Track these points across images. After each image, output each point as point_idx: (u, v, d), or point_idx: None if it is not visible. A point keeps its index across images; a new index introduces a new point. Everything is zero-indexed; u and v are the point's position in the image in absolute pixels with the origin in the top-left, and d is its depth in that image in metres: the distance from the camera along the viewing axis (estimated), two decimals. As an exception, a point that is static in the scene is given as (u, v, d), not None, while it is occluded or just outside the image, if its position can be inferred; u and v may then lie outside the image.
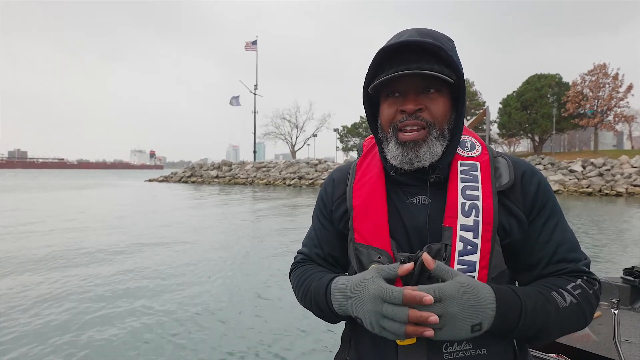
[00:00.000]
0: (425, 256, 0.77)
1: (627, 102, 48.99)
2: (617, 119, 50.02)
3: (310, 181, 37.46)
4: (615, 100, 48.70)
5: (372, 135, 0.99)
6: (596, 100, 49.40)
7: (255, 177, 41.91)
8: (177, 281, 6.08)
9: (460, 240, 0.83)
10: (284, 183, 38.52)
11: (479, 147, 0.93)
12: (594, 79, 49.66)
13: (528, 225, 0.87)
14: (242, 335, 4.16)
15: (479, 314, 0.73)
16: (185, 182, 44.72)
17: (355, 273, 0.89)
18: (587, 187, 27.10)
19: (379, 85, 0.86)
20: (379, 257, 0.85)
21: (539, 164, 31.92)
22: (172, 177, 48.10)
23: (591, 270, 0.88)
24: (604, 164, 29.27)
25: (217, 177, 44.22)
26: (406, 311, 0.72)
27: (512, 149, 74.87)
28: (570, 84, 51.54)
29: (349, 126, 70.50)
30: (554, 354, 1.80)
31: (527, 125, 52.87)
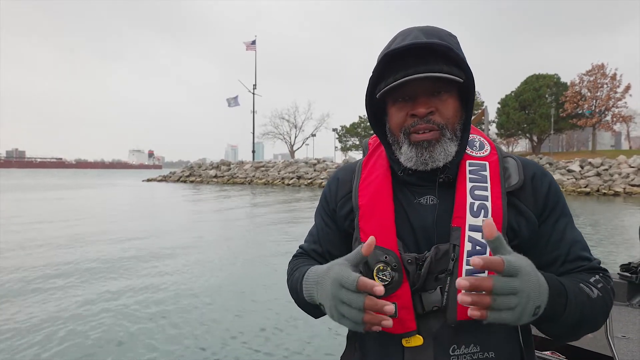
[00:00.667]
0: (489, 221, 0.65)
1: (625, 103, 49.12)
2: (615, 119, 50.07)
3: (309, 181, 37.43)
4: (613, 100, 48.75)
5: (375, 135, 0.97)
6: (594, 101, 49.42)
7: (254, 176, 41.86)
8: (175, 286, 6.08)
9: (469, 241, 0.81)
10: (283, 183, 38.48)
11: (487, 147, 0.93)
12: (592, 79, 49.69)
13: (539, 226, 0.86)
14: (241, 333, 4.17)
15: (542, 295, 0.68)
16: (184, 181, 44.65)
17: (361, 273, 0.87)
18: (585, 187, 27.17)
19: (387, 90, 0.83)
20: (386, 257, 0.83)
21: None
22: (170, 177, 48.00)
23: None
24: (601, 164, 29.32)
25: (215, 176, 44.15)
26: (362, 297, 0.69)
27: (510, 149, 74.81)
28: (569, 84, 51.57)
29: (348, 126, 70.40)
30: (547, 352, 1.81)
31: (525, 125, 52.90)
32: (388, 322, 0.70)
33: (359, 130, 68.32)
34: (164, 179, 48.03)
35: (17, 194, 24.75)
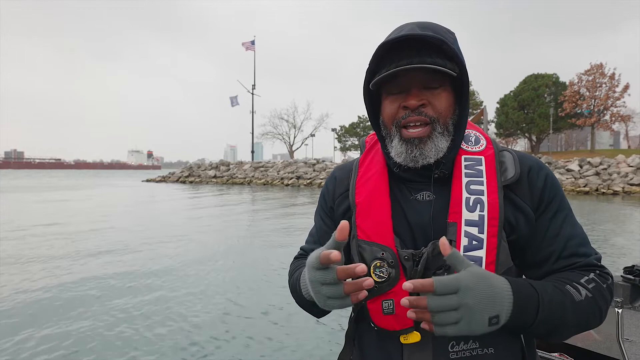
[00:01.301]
0: (443, 240, 0.69)
1: (624, 102, 49.29)
2: (613, 118, 50.21)
3: (308, 181, 37.43)
4: (611, 99, 48.88)
5: (374, 132, 0.97)
6: (593, 100, 49.55)
7: (253, 177, 41.87)
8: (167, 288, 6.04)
9: (465, 236, 0.80)
10: (282, 183, 38.49)
11: (483, 142, 0.91)
12: (590, 78, 49.83)
13: (536, 220, 0.85)
14: (242, 332, 4.14)
15: (497, 306, 0.68)
16: (183, 182, 44.62)
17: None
18: (584, 187, 27.22)
19: (380, 81, 0.83)
20: (382, 254, 0.83)
21: (537, 163, 31.98)
22: (169, 177, 48.00)
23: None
24: (600, 163, 29.38)
25: (215, 177, 44.16)
26: (333, 271, 0.70)
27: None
28: (567, 83, 51.72)
29: (347, 126, 70.53)
30: (556, 353, 1.80)
31: (524, 125, 53.03)
32: (369, 282, 0.69)
33: (358, 130, 68.40)
34: (163, 179, 48.00)
35: (15, 194, 24.70)
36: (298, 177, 38.68)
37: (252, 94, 60.29)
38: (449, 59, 0.82)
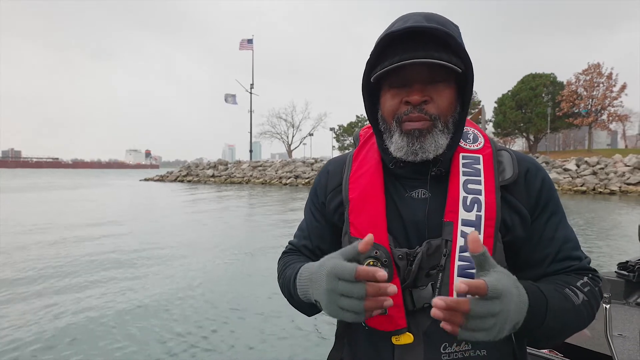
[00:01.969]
0: (474, 236, 0.64)
1: (621, 102, 49.32)
2: (611, 118, 50.32)
3: (307, 180, 37.40)
4: (609, 99, 48.97)
5: (368, 125, 0.95)
6: (590, 100, 49.64)
7: (251, 176, 41.80)
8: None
9: (461, 236, 0.78)
10: (280, 182, 38.45)
11: (481, 140, 0.90)
12: (588, 78, 49.90)
13: (532, 223, 0.84)
14: (232, 332, 4.17)
15: (522, 311, 0.67)
16: (181, 181, 44.54)
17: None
18: (581, 186, 27.28)
19: (382, 74, 0.80)
20: (376, 252, 0.80)
21: (534, 162, 32.04)
22: (168, 177, 47.87)
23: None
24: (597, 163, 29.44)
25: (213, 176, 44.07)
26: (363, 285, 0.66)
27: (507, 148, 74.70)
28: (565, 83, 51.78)
29: (345, 125, 70.48)
30: (545, 350, 1.81)
31: (522, 125, 53.08)
32: (389, 302, 0.67)
33: (357, 129, 67.98)
34: (161, 178, 47.89)
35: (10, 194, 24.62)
36: (296, 177, 38.65)
37: (251, 93, 60.22)
38: (455, 54, 0.78)
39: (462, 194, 0.82)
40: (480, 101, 58.98)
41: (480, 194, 0.81)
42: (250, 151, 58.57)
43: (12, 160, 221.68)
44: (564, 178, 28.64)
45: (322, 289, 0.70)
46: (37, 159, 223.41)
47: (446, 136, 0.82)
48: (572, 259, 0.84)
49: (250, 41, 61.06)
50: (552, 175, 28.79)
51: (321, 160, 42.70)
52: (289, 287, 0.88)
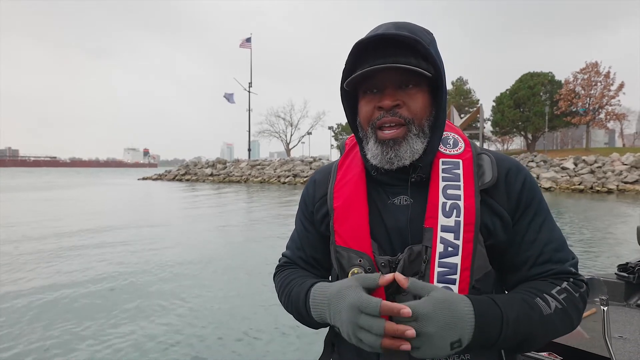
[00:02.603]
0: (398, 276, 0.72)
1: (619, 100, 49.44)
2: (608, 117, 50.41)
3: (305, 179, 37.36)
4: (606, 98, 49.06)
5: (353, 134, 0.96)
6: (588, 99, 49.73)
7: (249, 175, 41.77)
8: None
9: (440, 242, 0.79)
10: (279, 181, 38.44)
11: (462, 144, 0.90)
12: (586, 77, 49.96)
13: (513, 225, 0.84)
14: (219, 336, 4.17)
15: (457, 330, 0.69)
16: (180, 180, 44.48)
17: (338, 277, 0.88)
18: (578, 184, 27.33)
19: (356, 81, 0.83)
20: (360, 261, 0.82)
21: (532, 161, 32.13)
22: (166, 175, 47.80)
23: (582, 268, 0.86)
24: (595, 162, 29.52)
25: (211, 175, 44.02)
26: (382, 323, 0.68)
27: (505, 146, 75.24)
28: (563, 82, 51.86)
29: (344, 124, 70.42)
30: (545, 353, 1.80)
31: (520, 123, 53.14)
32: (407, 346, 0.68)
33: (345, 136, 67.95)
34: (160, 177, 47.81)
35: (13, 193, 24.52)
36: (295, 175, 38.63)
37: (249, 91, 60.09)
38: (424, 59, 0.81)
39: (441, 199, 0.82)
40: (478, 100, 59.09)
41: (460, 199, 0.81)
42: (249, 150, 58.50)
43: (9, 159, 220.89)
44: (562, 177, 28.69)
45: (343, 318, 0.73)
46: (35, 158, 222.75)
47: (422, 140, 0.83)
48: (554, 262, 0.83)
49: (248, 40, 60.95)
50: (550, 174, 28.86)
51: (319, 159, 42.72)
52: (297, 307, 0.89)
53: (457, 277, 0.78)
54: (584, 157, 30.54)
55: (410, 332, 0.67)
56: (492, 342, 0.73)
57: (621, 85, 48.29)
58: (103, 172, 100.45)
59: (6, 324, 4.35)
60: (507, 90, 55.23)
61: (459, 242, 0.79)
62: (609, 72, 48.86)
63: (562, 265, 0.83)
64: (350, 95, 0.90)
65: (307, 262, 0.99)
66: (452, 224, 0.80)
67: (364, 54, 0.81)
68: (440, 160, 0.87)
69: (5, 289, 5.61)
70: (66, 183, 39.66)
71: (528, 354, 1.70)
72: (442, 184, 0.84)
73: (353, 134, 0.96)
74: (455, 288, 0.78)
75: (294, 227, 1.06)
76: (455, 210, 0.81)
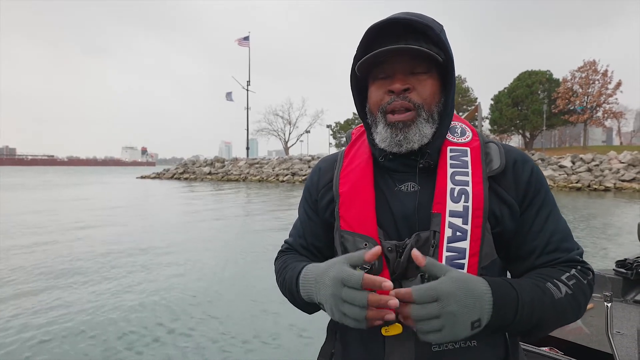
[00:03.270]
0: (415, 253, 0.71)
1: (616, 99, 49.55)
2: (606, 115, 50.52)
3: (304, 177, 37.35)
4: (604, 96, 49.16)
5: (361, 124, 0.98)
6: (586, 97, 49.81)
7: (248, 173, 41.73)
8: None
9: (449, 227, 0.80)
10: (277, 179, 38.44)
11: (469, 133, 0.91)
12: (583, 75, 50.04)
13: (520, 214, 0.85)
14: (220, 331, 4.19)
15: (477, 310, 0.69)
16: (178, 178, 44.40)
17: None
18: (576, 183, 27.43)
19: (367, 67, 0.83)
20: (365, 245, 0.83)
21: (530, 159, 32.15)
22: (164, 174, 47.70)
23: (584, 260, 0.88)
24: (592, 160, 29.63)
25: (209, 173, 43.96)
26: (366, 295, 0.69)
27: (503, 145, 74.70)
28: (561, 80, 51.92)
29: (342, 122, 70.34)
30: (545, 347, 1.81)
31: (518, 122, 53.22)
32: (391, 316, 0.69)
33: (353, 126, 67.29)
34: (158, 176, 47.71)
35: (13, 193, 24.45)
36: (293, 174, 38.63)
37: (247, 90, 59.97)
38: (435, 45, 0.82)
39: (449, 185, 0.82)
40: (476, 98, 59.11)
41: (468, 185, 0.82)
42: (247, 148, 58.40)
43: (6, 158, 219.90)
44: (560, 175, 28.79)
45: (327, 293, 0.73)
46: (32, 157, 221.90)
47: (431, 126, 0.84)
48: (561, 251, 0.83)
49: (246, 38, 60.78)
50: (548, 172, 28.93)
51: (318, 157, 42.69)
52: (290, 287, 0.89)
53: (465, 261, 0.78)
54: (581, 156, 30.63)
55: (393, 302, 0.68)
56: (508, 322, 0.73)
57: (619, 84, 48.42)
58: (101, 171, 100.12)
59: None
60: (505, 88, 55.29)
61: (468, 227, 0.79)
62: (606, 71, 49.00)
63: (569, 254, 0.83)
64: (360, 83, 0.90)
65: (308, 249, 1.00)
66: (461, 209, 0.80)
67: (376, 39, 0.82)
68: (448, 148, 0.87)
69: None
70: (72, 182, 39.51)
71: (530, 348, 1.72)
72: (450, 171, 0.84)
73: (361, 124, 0.98)
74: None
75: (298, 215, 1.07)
76: (463, 195, 0.81)
